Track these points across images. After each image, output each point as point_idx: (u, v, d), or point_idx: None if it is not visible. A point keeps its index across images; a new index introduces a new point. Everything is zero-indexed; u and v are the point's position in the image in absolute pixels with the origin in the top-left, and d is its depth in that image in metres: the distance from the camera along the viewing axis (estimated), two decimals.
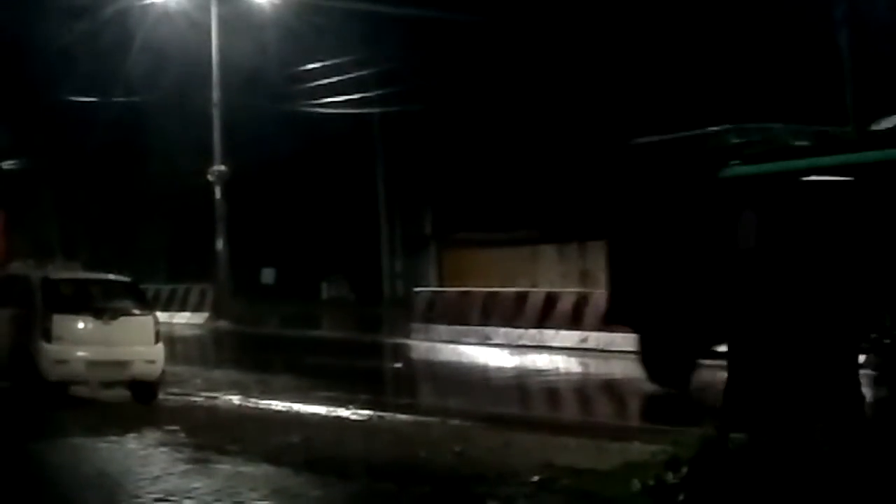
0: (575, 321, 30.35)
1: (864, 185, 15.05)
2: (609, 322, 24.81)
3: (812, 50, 35.00)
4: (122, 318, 19.04)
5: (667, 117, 39.05)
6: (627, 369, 25.93)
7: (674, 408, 19.41)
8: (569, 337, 30.03)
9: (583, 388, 24.54)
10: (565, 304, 31.19)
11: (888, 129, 19.02)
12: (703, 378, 20.16)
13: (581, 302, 31.11)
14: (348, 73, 45.14)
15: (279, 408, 18.93)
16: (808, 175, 14.33)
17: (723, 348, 18.91)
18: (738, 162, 19.85)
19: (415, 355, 31.19)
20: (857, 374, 11.38)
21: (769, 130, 20.99)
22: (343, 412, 18.23)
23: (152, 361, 19.00)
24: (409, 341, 33.44)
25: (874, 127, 19.66)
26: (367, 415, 17.92)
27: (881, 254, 16.48)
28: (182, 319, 42.41)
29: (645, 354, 22.23)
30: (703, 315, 19.36)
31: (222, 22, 42.86)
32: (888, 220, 17.18)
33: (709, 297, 18.05)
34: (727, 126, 21.30)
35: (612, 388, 23.98)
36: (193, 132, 45.35)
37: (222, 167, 43.54)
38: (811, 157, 18.63)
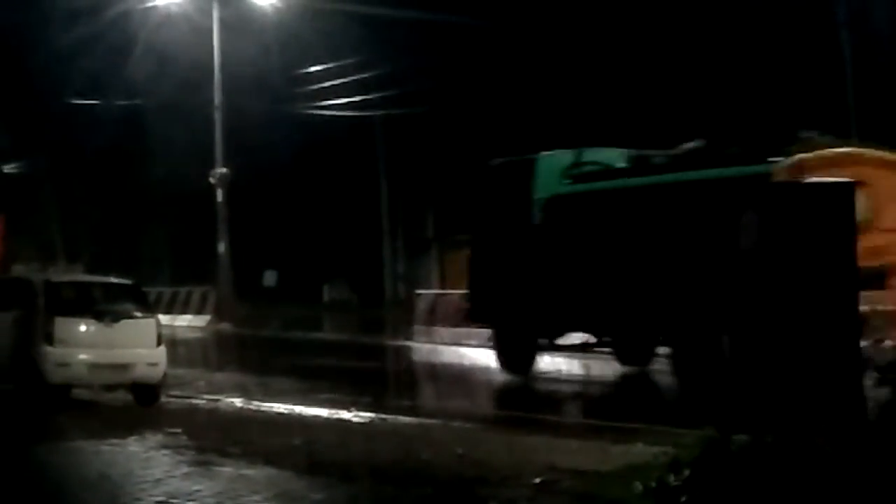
0: None
1: (666, 202, 20.62)
2: (471, 321, 27.12)
3: (813, 51, 35.00)
4: (125, 321, 19.03)
5: (669, 119, 39.10)
6: (630, 370, 25.93)
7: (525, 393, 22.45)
8: (571, 337, 30.00)
9: (585, 390, 24.53)
10: None
11: (681, 155, 21.99)
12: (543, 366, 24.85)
13: None
14: (350, 76, 45.17)
15: (281, 410, 18.93)
16: (622, 193, 20.92)
17: (561, 341, 24.41)
18: (569, 181, 23.35)
19: (417, 357, 31.19)
20: (860, 375, 11.39)
21: (599, 153, 24.15)
22: (345, 414, 18.22)
23: (154, 364, 18.99)
24: (411, 343, 33.45)
25: (674, 152, 22.30)
26: (370, 417, 17.92)
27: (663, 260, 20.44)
28: (184, 322, 42.42)
29: (499, 347, 25.26)
30: (542, 313, 23.51)
31: (224, 25, 42.89)
32: (676, 232, 20.41)
33: (545, 299, 23.12)
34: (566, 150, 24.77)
35: (613, 389, 23.96)
36: (195, 135, 45.37)
37: (224, 170, 43.57)
38: (626, 178, 22.26)
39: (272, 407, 19.31)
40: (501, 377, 26.38)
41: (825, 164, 18.79)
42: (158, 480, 12.53)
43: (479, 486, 11.96)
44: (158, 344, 19.17)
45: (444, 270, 48.32)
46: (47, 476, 13.24)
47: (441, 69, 43.69)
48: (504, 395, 23.77)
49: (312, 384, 23.10)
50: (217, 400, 20.31)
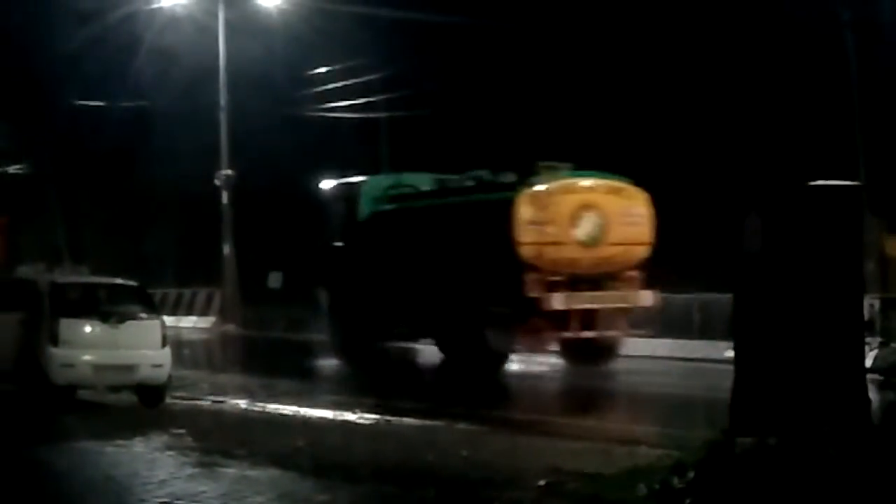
0: None
1: (448, 220, 25.10)
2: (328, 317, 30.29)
3: (817, 53, 34.99)
4: (130, 322, 19.05)
5: (674, 120, 39.09)
6: (633, 373, 25.92)
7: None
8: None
9: (589, 393, 24.51)
10: None
11: (469, 181, 26.38)
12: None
13: None
14: (355, 78, 45.16)
15: (286, 412, 18.94)
16: (423, 211, 25.48)
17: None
18: (386, 201, 27.71)
19: (421, 359, 31.17)
20: (864, 378, 11.38)
21: (413, 177, 28.31)
22: (349, 416, 18.23)
23: (159, 365, 19.00)
24: (415, 345, 33.43)
25: (465, 178, 26.70)
26: (374, 419, 17.92)
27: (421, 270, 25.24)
28: (189, 323, 42.43)
29: (343, 340, 28.74)
30: (370, 312, 27.29)
31: (229, 26, 42.91)
32: (452, 245, 24.91)
33: (371, 301, 27.08)
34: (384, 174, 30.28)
35: (618, 392, 23.95)
36: (201, 136, 45.38)
37: (229, 172, 43.57)
38: (426, 199, 26.70)
39: (277, 408, 19.32)
40: (508, 378, 26.38)
41: (560, 191, 23.21)
42: (163, 481, 12.55)
43: (483, 488, 11.97)
44: (163, 345, 19.19)
45: None
46: (52, 477, 13.25)
47: (446, 70, 43.69)
48: (508, 397, 23.74)
49: (317, 385, 23.11)
50: (222, 401, 20.33)
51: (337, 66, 45.49)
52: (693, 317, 27.86)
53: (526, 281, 23.65)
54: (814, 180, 11.53)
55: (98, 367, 18.62)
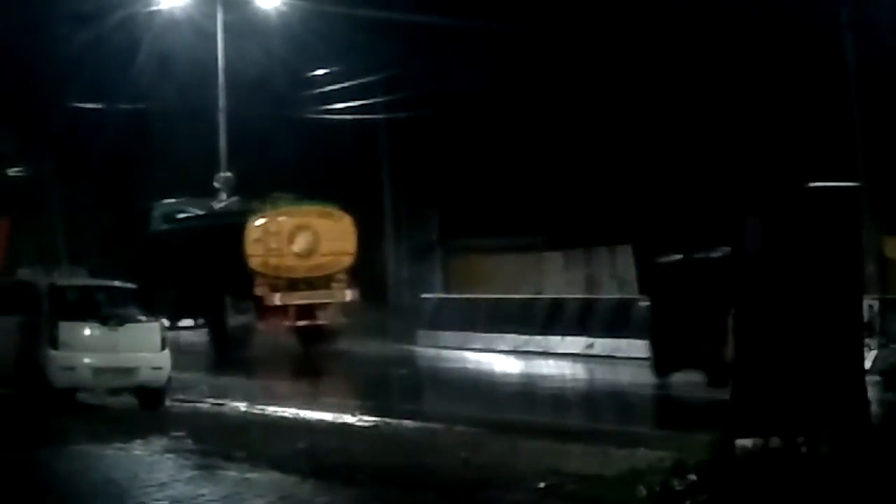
0: (580, 327, 30.37)
1: (204, 236, 31.98)
2: None
3: (816, 56, 34.99)
4: (129, 325, 19.05)
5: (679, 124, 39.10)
6: (633, 375, 25.93)
7: None
8: (574, 343, 30.02)
9: (589, 395, 24.53)
10: (571, 311, 31.20)
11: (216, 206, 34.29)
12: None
13: (587, 308, 31.12)
14: (354, 80, 45.15)
15: (285, 414, 18.93)
16: (188, 230, 33.92)
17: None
18: (166, 222, 34.75)
19: (421, 362, 31.18)
20: (864, 379, 11.39)
21: (190, 202, 35.53)
22: (349, 418, 18.23)
23: (159, 368, 19.00)
24: (415, 347, 33.43)
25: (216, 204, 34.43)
26: (374, 421, 17.92)
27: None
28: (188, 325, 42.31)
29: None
30: (164, 305, 28.18)
31: (228, 29, 42.89)
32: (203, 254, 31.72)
33: (164, 295, 29.08)
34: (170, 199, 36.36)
35: (617, 394, 23.96)
36: (200, 138, 45.36)
37: (228, 174, 43.55)
38: (190, 221, 33.65)
39: (276, 411, 19.32)
40: (508, 381, 26.41)
41: (280, 214, 30.49)
42: (163, 484, 12.54)
43: (483, 491, 11.96)
44: (163, 348, 19.18)
45: (449, 274, 48.27)
46: (52, 480, 13.25)
47: (446, 72, 43.66)
48: (508, 400, 23.76)
49: (316, 388, 23.11)
50: (221, 404, 20.32)
51: (336, 69, 45.47)
52: None
53: (255, 283, 30.98)
54: (813, 182, 11.53)
55: (97, 370, 18.62)
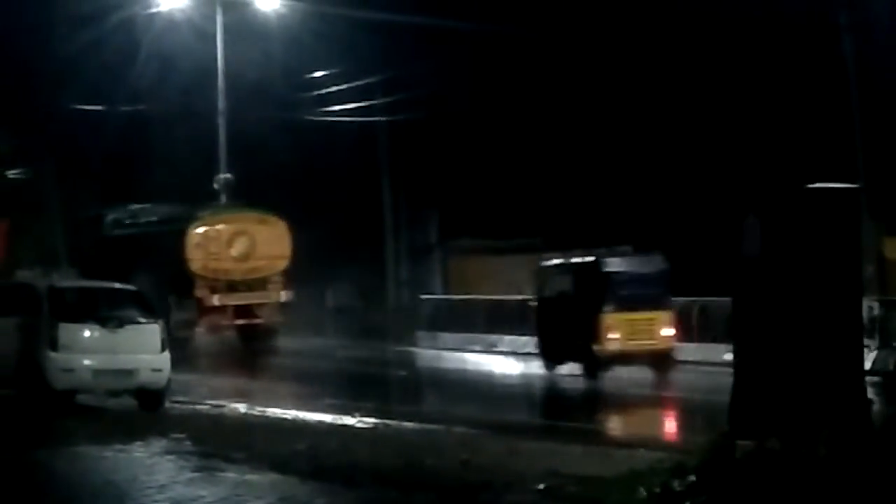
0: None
1: (147, 240, 34.07)
2: None
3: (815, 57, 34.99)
4: (129, 327, 19.03)
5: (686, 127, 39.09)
6: (632, 374, 25.93)
7: None
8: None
9: (589, 396, 24.53)
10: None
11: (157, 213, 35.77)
12: None
13: None
14: (354, 82, 45.16)
15: (285, 416, 18.94)
16: (140, 236, 35.44)
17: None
18: (116, 226, 36.57)
19: (420, 363, 31.20)
20: (863, 380, 11.39)
21: (134, 209, 37.31)
22: (349, 420, 18.23)
23: (158, 370, 18.98)
24: (414, 349, 33.45)
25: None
26: (373, 423, 17.92)
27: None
28: None
29: None
30: None
31: (228, 31, 42.89)
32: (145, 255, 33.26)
33: None
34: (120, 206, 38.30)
35: (617, 396, 23.96)
36: (199, 141, 45.38)
37: (228, 175, 43.55)
38: (143, 227, 35.06)
39: (276, 412, 19.32)
40: (508, 382, 26.41)
41: (219, 221, 32.42)
42: (163, 486, 12.54)
43: (482, 492, 11.96)
44: (163, 349, 19.17)
45: (448, 275, 48.29)
46: (52, 481, 13.25)
47: (445, 73, 43.67)
48: (507, 401, 23.77)
49: (316, 389, 23.12)
50: (221, 405, 20.32)
51: (335, 71, 45.49)
52: (692, 319, 27.87)
53: (195, 285, 32.72)
54: (812, 183, 11.53)
55: (97, 372, 18.61)
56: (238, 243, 32.65)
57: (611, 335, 24.37)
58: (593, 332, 24.16)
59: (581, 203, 42.30)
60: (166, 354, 19.18)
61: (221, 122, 43.72)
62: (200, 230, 32.80)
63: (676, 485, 10.25)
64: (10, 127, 53.30)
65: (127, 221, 37.18)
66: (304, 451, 14.60)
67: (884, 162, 32.62)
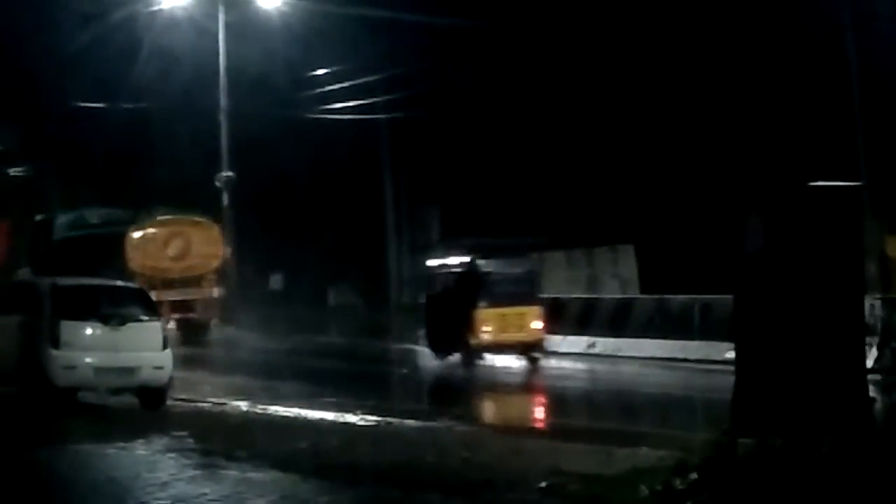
0: (582, 326, 30.37)
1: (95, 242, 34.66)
2: None
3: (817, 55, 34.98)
4: (130, 325, 19.04)
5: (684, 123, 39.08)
6: (635, 374, 25.95)
7: None
8: (576, 342, 30.02)
9: (591, 394, 24.53)
10: (572, 310, 31.19)
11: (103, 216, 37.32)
12: None
13: (588, 307, 31.12)
14: (356, 79, 45.16)
15: (287, 414, 18.94)
16: (84, 238, 36.43)
17: None
18: (67, 230, 37.51)
19: (422, 361, 31.17)
20: (865, 378, 11.38)
21: (80, 213, 38.72)
22: (351, 418, 18.24)
23: (160, 367, 18.99)
24: (416, 347, 33.43)
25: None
26: (375, 421, 17.92)
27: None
28: None
29: None
30: None
31: (230, 28, 42.90)
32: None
33: None
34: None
35: (619, 394, 23.97)
36: (201, 138, 45.39)
37: (230, 173, 43.57)
38: (87, 230, 36.04)
39: (278, 410, 19.33)
40: (508, 380, 26.40)
41: (156, 225, 34.32)
42: (164, 483, 12.54)
43: (484, 490, 11.96)
44: (164, 347, 19.18)
45: None
46: (53, 479, 13.25)
47: (447, 71, 43.68)
48: (509, 399, 23.78)
49: (318, 388, 23.12)
50: (223, 403, 20.33)
51: (337, 68, 45.49)
52: (693, 318, 27.88)
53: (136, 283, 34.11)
54: (814, 181, 11.52)
55: (99, 370, 18.62)
56: (174, 244, 36.50)
57: (484, 328, 27.37)
58: (469, 325, 27.25)
59: (583, 201, 42.30)
60: (168, 352, 19.20)
61: (223, 119, 43.75)
62: (140, 232, 35.38)
63: (678, 483, 10.25)
64: (12, 125, 53.35)
65: (75, 224, 39.48)
66: (306, 448, 14.61)
67: (886, 160, 32.63)
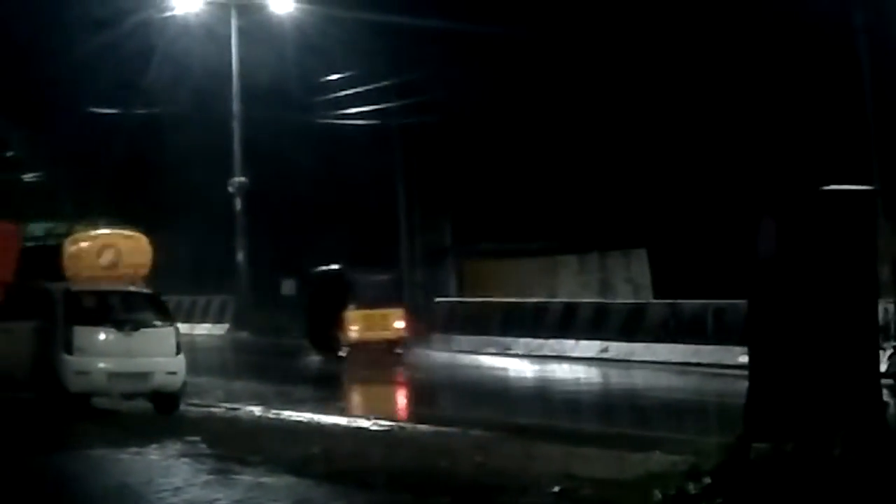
0: (595, 331, 30.34)
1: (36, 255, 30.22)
2: None
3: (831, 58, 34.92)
4: (144, 330, 19.07)
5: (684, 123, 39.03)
6: (648, 379, 25.92)
7: None
8: (589, 347, 30.01)
9: (604, 399, 24.51)
10: (585, 314, 31.18)
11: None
12: None
13: (601, 312, 31.10)
14: (368, 85, 45.19)
15: (300, 418, 18.95)
16: (30, 250, 30.12)
17: None
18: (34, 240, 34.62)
19: (435, 365, 31.19)
20: (879, 382, 11.36)
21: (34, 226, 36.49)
22: (364, 423, 18.23)
23: (173, 373, 19.00)
24: (429, 351, 33.44)
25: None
26: (388, 425, 17.92)
27: None
28: (203, 330, 42.48)
29: None
30: None
31: (242, 35, 42.97)
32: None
33: None
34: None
35: (632, 398, 23.94)
36: (214, 144, 45.46)
37: (243, 178, 43.63)
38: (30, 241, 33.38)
39: (291, 415, 19.33)
40: (523, 385, 26.38)
41: (86, 239, 31.80)
42: (178, 489, 12.55)
43: (497, 495, 11.95)
44: (178, 352, 19.19)
45: (462, 278, 48.28)
46: (67, 484, 13.27)
47: (460, 77, 43.68)
48: (523, 404, 23.77)
49: (331, 392, 23.12)
50: (236, 408, 20.34)
51: (349, 74, 45.53)
52: (707, 322, 27.85)
53: None
54: (827, 185, 11.50)
55: (112, 375, 18.64)
56: (106, 255, 37.41)
57: (352, 327, 31.47)
58: (340, 325, 31.40)
59: (596, 205, 42.25)
60: (181, 357, 19.21)
61: (236, 125, 43.81)
62: (76, 245, 37.14)
63: (692, 487, 10.23)
64: (26, 131, 53.46)
65: (24, 237, 41.33)
66: (319, 453, 14.61)
67: None
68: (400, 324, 31.99)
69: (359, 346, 31.27)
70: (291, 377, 27.82)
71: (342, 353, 31.37)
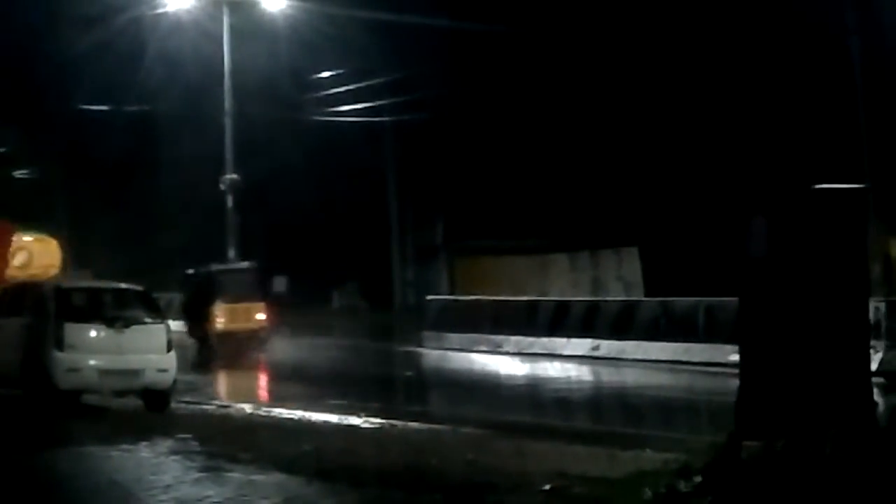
0: (586, 329, 30.35)
1: None
2: None
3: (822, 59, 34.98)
4: (135, 327, 19.03)
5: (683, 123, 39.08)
6: (639, 377, 25.93)
7: None
8: (580, 345, 30.01)
9: (595, 397, 24.53)
10: (576, 312, 31.19)
11: None
12: None
13: (592, 310, 31.10)
14: (360, 82, 45.19)
15: (291, 416, 18.94)
16: None
17: None
18: None
19: (426, 363, 31.19)
20: (870, 381, 11.37)
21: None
22: (355, 420, 18.23)
23: (164, 370, 18.98)
24: (420, 349, 33.44)
25: None
26: (379, 423, 17.92)
27: None
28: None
29: None
30: None
31: (234, 32, 42.93)
32: None
33: None
34: None
35: (623, 396, 23.96)
36: (206, 141, 45.43)
37: (234, 176, 43.60)
38: None
39: (282, 413, 19.32)
40: (514, 383, 26.40)
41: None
42: (168, 486, 12.54)
43: (488, 493, 11.95)
44: (168, 350, 19.17)
45: (454, 276, 48.34)
46: (57, 481, 13.25)
47: (452, 75, 43.70)
48: (514, 401, 23.77)
49: (322, 390, 23.11)
50: (227, 406, 20.33)
51: (342, 71, 45.53)
52: (699, 320, 27.87)
53: None
54: (819, 184, 11.51)
55: (103, 372, 18.61)
56: (19, 256, 39.05)
57: (219, 319, 34.39)
58: (208, 318, 34.38)
59: (588, 204, 42.31)
60: (172, 355, 19.19)
61: (228, 122, 43.76)
62: None
63: (682, 486, 10.23)
64: (18, 128, 53.40)
65: None
66: (310, 451, 14.59)
67: (890, 162, 32.62)
68: (261, 316, 34.88)
69: (224, 337, 34.03)
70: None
71: (212, 343, 34.24)
